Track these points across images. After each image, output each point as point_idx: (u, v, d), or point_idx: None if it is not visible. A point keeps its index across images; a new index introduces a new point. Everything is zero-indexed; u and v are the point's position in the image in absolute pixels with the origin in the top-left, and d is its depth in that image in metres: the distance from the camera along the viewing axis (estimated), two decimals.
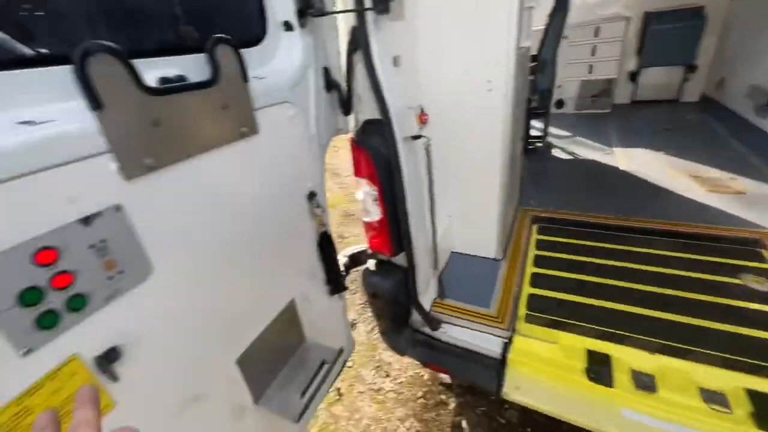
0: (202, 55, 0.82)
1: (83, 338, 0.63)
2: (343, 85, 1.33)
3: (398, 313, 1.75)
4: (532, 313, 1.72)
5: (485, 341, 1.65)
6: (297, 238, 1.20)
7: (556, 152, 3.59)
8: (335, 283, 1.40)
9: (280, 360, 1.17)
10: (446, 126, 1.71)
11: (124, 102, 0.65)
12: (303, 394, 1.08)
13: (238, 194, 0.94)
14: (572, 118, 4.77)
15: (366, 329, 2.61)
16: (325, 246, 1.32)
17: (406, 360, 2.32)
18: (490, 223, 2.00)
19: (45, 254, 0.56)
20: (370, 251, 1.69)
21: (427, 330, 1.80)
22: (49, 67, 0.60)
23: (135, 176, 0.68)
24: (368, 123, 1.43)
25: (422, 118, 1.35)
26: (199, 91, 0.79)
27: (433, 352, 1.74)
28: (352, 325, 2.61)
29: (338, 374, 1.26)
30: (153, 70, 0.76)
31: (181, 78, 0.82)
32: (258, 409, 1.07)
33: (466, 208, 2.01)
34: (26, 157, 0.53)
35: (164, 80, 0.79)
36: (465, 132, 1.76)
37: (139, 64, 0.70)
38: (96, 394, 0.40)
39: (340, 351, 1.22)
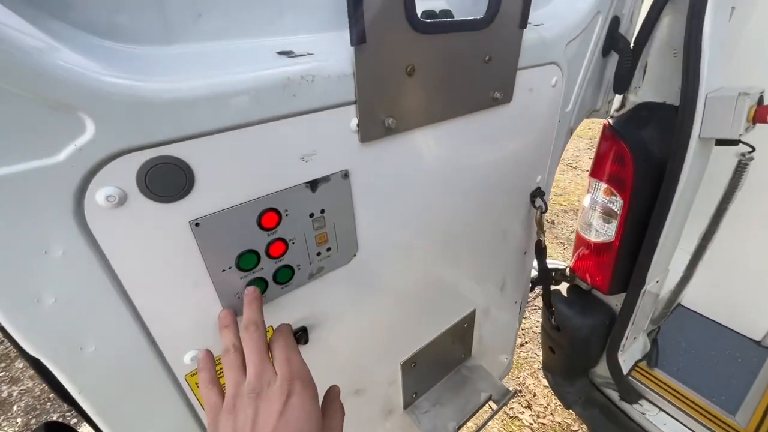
0: None
1: (280, 313, 0.55)
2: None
3: (581, 358, 1.35)
4: None
5: None
6: (503, 242, 0.94)
7: None
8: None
9: (440, 371, 1.00)
10: None
11: (388, 38, 0.47)
12: (458, 428, 0.89)
13: (461, 180, 0.73)
14: None
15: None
16: (536, 258, 1.03)
17: (557, 400, 1.90)
18: None
19: (269, 217, 0.47)
20: (569, 273, 1.30)
21: (612, 395, 1.35)
22: None
23: (370, 138, 0.53)
24: (644, 108, 0.98)
25: (762, 113, 0.82)
26: (468, 33, 0.57)
27: (617, 430, 1.29)
28: None
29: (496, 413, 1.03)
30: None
31: (446, 13, 0.62)
32: (404, 416, 0.95)
33: (742, 252, 1.33)
34: (278, 97, 0.42)
35: (428, 14, 0.59)
36: None
37: None
38: (259, 295, 0.48)
39: (513, 393, 0.97)
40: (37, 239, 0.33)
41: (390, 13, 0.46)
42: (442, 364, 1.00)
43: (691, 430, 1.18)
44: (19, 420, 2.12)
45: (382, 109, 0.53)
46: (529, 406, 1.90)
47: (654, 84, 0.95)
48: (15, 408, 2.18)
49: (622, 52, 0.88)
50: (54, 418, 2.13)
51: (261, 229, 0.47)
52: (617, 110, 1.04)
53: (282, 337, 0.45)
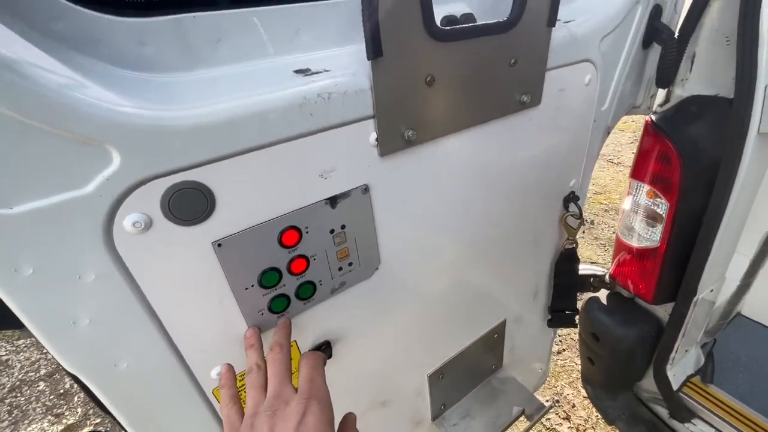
0: None
1: (303, 329, 0.55)
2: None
3: (624, 371, 1.26)
4: None
5: None
6: (535, 250, 0.90)
7: None
8: (562, 316, 1.05)
9: (469, 382, 0.97)
10: None
11: (405, 49, 0.46)
12: None
13: (488, 187, 0.70)
14: None
15: (552, 349, 2.17)
16: (567, 267, 0.98)
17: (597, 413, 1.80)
18: None
19: (290, 235, 0.47)
20: (609, 279, 1.22)
21: (661, 412, 1.26)
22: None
23: (389, 151, 0.52)
24: (692, 102, 0.90)
25: None
26: (491, 37, 0.54)
27: None
28: None
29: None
30: (438, 5, 0.55)
31: (468, 17, 0.59)
32: (432, 428, 0.93)
33: None
34: (295, 116, 0.42)
35: (449, 20, 0.57)
36: None
37: None
38: (289, 323, 0.51)
39: (548, 408, 0.92)
40: (71, 266, 0.35)
41: (407, 23, 0.45)
42: (471, 375, 0.97)
43: None
44: (79, 410, 2.31)
45: (401, 122, 0.51)
46: (567, 418, 1.81)
47: (704, 75, 0.86)
48: (75, 399, 2.38)
49: (665, 43, 0.81)
50: None
51: (282, 246, 0.48)
52: (661, 105, 0.96)
53: (312, 358, 0.46)
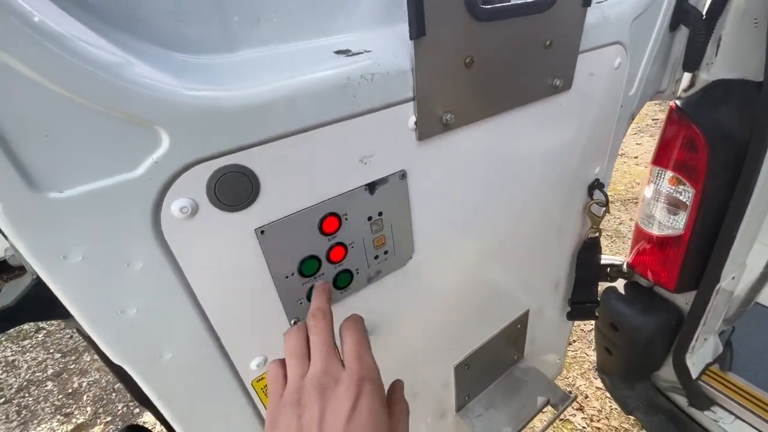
0: None
1: (336, 320, 0.54)
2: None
3: (642, 360, 1.26)
4: None
5: None
6: (557, 238, 0.89)
7: None
8: (583, 308, 1.04)
9: (492, 373, 0.96)
10: None
11: (447, 28, 0.45)
12: None
13: (516, 175, 0.68)
14: None
15: None
16: (589, 257, 0.97)
17: (613, 404, 1.80)
18: None
19: (331, 221, 0.46)
20: (627, 269, 1.21)
21: (680, 401, 1.25)
22: None
23: (427, 135, 0.51)
24: (719, 86, 0.88)
25: None
26: (528, 17, 0.53)
27: None
28: None
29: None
30: None
31: None
32: (456, 419, 0.92)
33: None
34: (338, 97, 0.41)
35: None
36: None
37: None
38: (329, 287, 0.46)
39: (573, 398, 0.91)
40: (120, 253, 0.33)
41: (450, 1, 0.44)
42: (494, 366, 0.96)
43: None
44: (89, 409, 2.31)
45: (440, 105, 0.50)
46: (581, 409, 1.81)
47: (731, 59, 0.85)
48: (85, 398, 2.38)
49: (693, 25, 0.79)
50: (119, 408, 2.30)
51: (322, 234, 0.46)
52: (685, 90, 0.94)
53: (355, 329, 0.41)
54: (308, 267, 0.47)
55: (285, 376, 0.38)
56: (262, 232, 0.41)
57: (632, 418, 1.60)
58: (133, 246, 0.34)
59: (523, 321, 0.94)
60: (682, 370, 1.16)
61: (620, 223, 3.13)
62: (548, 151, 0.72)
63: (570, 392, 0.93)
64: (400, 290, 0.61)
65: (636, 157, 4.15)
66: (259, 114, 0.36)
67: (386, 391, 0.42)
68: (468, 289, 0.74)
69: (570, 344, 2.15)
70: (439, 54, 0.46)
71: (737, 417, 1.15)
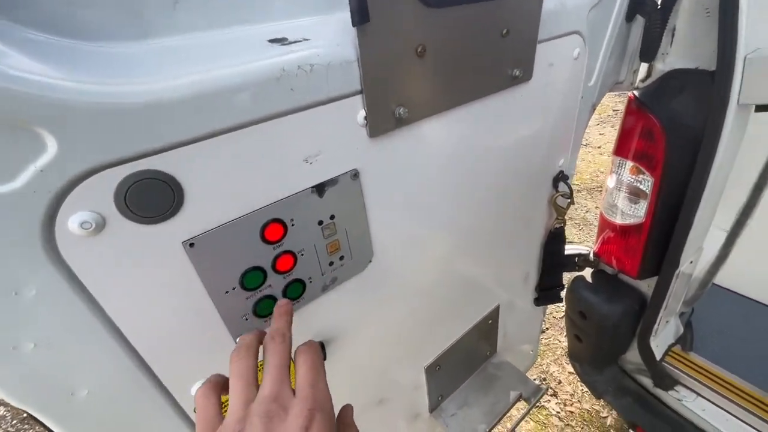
0: None
1: (293, 330, 0.50)
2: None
3: (609, 346, 1.29)
4: None
5: None
6: (524, 232, 0.88)
7: None
8: (550, 293, 1.05)
9: (465, 370, 0.95)
10: None
11: (395, 14, 0.41)
12: (489, 430, 0.84)
13: (480, 169, 0.66)
14: None
15: None
16: (555, 247, 0.97)
17: (584, 387, 1.85)
18: None
19: (274, 228, 0.42)
20: (594, 258, 1.23)
21: (646, 382, 1.30)
22: None
23: (380, 132, 0.47)
24: (675, 75, 0.90)
25: None
26: (483, 4, 0.50)
27: (653, 419, 1.24)
28: None
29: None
30: None
31: None
32: (430, 420, 0.90)
33: None
34: (273, 91, 0.36)
35: None
36: None
37: None
38: (291, 308, 0.41)
39: (545, 390, 0.91)
40: (4, 280, 0.28)
41: None
42: (467, 363, 0.95)
43: (731, 414, 1.12)
44: None
45: (392, 98, 0.46)
46: (554, 395, 1.85)
47: (685, 49, 0.86)
48: None
49: (649, 15, 0.80)
50: None
51: (265, 243, 0.42)
52: (642, 81, 0.95)
53: (311, 355, 0.37)
54: (251, 279, 0.43)
55: (218, 408, 0.33)
56: (191, 245, 0.37)
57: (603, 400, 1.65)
58: (21, 271, 0.28)
59: (494, 316, 0.93)
60: (646, 352, 1.19)
61: (587, 212, 3.23)
62: (512, 143, 0.70)
63: (542, 384, 0.93)
64: (360, 296, 0.57)
65: (599, 147, 4.30)
66: (176, 112, 0.32)
67: (337, 416, 0.39)
68: (435, 289, 0.72)
69: (543, 332, 2.19)
70: (387, 42, 0.42)
71: (698, 395, 1.19)
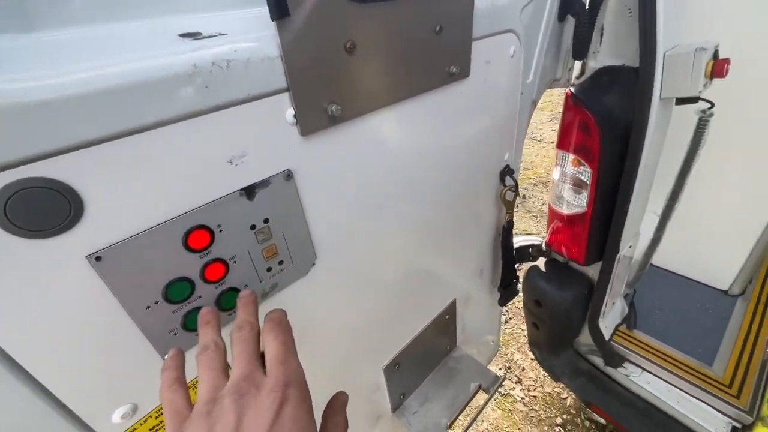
0: None
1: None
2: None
3: (564, 330, 1.36)
4: None
5: (699, 413, 1.14)
6: (475, 226, 0.90)
7: None
8: (510, 290, 1.08)
9: (425, 367, 0.96)
10: (732, 83, 1.06)
11: (317, 8, 0.40)
12: (450, 425, 0.85)
13: (424, 165, 0.67)
14: None
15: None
16: (506, 239, 1.00)
17: (545, 372, 1.94)
18: (740, 239, 1.32)
19: (199, 236, 0.39)
20: (546, 247, 1.29)
21: (598, 362, 1.37)
22: None
23: (312, 130, 0.46)
24: (605, 72, 0.95)
25: (720, 68, 0.81)
26: (414, 1, 0.50)
27: (605, 395, 1.31)
28: None
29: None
30: None
31: None
32: (393, 419, 0.90)
33: (705, 208, 1.36)
34: (185, 89, 0.34)
35: None
36: (764, 96, 1.09)
37: None
38: (255, 297, 0.41)
39: (502, 378, 0.94)
40: None
41: None
42: (427, 359, 0.95)
43: (673, 385, 1.21)
44: None
45: (322, 95, 0.45)
46: (519, 381, 1.92)
47: (612, 47, 0.92)
48: None
49: (578, 15, 0.84)
50: None
51: (190, 251, 0.39)
52: (578, 78, 1.01)
53: (279, 329, 0.36)
54: (177, 291, 0.40)
55: (187, 398, 0.31)
56: (98, 258, 0.33)
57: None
58: None
59: (450, 311, 0.94)
60: (596, 333, 1.26)
61: (543, 204, 3.38)
62: (456, 139, 0.71)
63: (499, 373, 0.95)
64: (306, 301, 0.56)
65: (552, 142, 4.54)
66: (65, 112, 0.29)
67: (327, 403, 0.40)
68: (387, 288, 0.72)
69: (507, 322, 2.27)
70: (312, 37, 0.41)
71: (644, 369, 1.28)
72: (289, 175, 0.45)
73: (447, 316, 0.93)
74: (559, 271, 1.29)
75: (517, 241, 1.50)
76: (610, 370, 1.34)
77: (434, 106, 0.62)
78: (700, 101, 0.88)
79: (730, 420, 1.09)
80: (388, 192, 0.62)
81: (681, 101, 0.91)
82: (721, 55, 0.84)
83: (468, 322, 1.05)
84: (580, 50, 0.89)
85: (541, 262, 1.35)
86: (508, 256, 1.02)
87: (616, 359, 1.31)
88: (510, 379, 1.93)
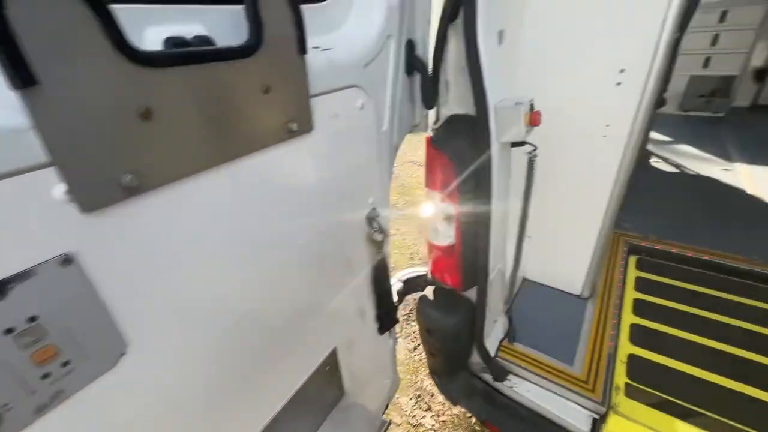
0: (239, 7, 0.51)
1: None
2: (429, 66, 0.97)
3: (456, 354, 1.42)
4: (636, 385, 1.30)
5: (566, 411, 1.28)
6: (349, 271, 0.90)
7: (656, 162, 2.97)
8: (387, 319, 1.09)
9: (310, 425, 0.90)
10: (550, 129, 1.30)
11: (86, 74, 0.35)
12: None
13: (277, 219, 0.64)
14: (675, 121, 4.01)
15: (408, 347, 2.32)
16: (380, 277, 1.01)
17: None
18: (581, 250, 1.58)
19: None
20: (430, 277, 1.36)
21: (488, 378, 1.46)
22: None
23: (100, 205, 0.40)
24: (454, 120, 1.07)
25: (535, 118, 0.97)
26: (230, 63, 0.49)
27: (495, 410, 1.39)
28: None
29: None
30: (160, 25, 0.47)
31: (204, 40, 0.52)
32: None
33: (552, 227, 1.60)
34: None
35: (173, 42, 0.49)
36: (574, 137, 1.34)
37: (131, 12, 0.41)
38: None
39: (388, 424, 0.92)
40: None
41: (76, 43, 0.35)
42: (312, 414, 0.90)
43: (545, 389, 1.35)
44: None
45: (112, 166, 0.40)
46: (429, 409, 1.94)
47: (457, 98, 1.04)
48: None
49: (421, 72, 0.93)
50: None
51: None
52: (435, 123, 1.11)
53: None
54: None
55: None
56: None
57: None
58: None
59: (332, 361, 0.91)
60: (482, 351, 1.35)
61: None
62: (310, 190, 0.70)
63: (387, 420, 0.94)
64: (119, 399, 0.47)
65: None
66: None
67: None
68: (247, 353, 0.65)
69: (415, 349, 2.32)
70: (81, 106, 0.36)
71: (524, 379, 1.40)
72: (66, 260, 0.38)
73: (328, 367, 0.90)
74: (445, 297, 1.36)
75: (406, 273, 1.56)
76: (498, 385, 1.43)
77: (276, 161, 0.61)
78: (526, 144, 1.05)
79: (590, 413, 1.25)
80: (232, 254, 0.58)
81: (514, 144, 1.07)
82: (536, 107, 1.02)
83: (356, 367, 1.02)
84: (428, 101, 0.99)
85: (430, 292, 1.42)
86: (381, 293, 1.04)
87: (502, 374, 1.41)
88: (420, 408, 1.95)
